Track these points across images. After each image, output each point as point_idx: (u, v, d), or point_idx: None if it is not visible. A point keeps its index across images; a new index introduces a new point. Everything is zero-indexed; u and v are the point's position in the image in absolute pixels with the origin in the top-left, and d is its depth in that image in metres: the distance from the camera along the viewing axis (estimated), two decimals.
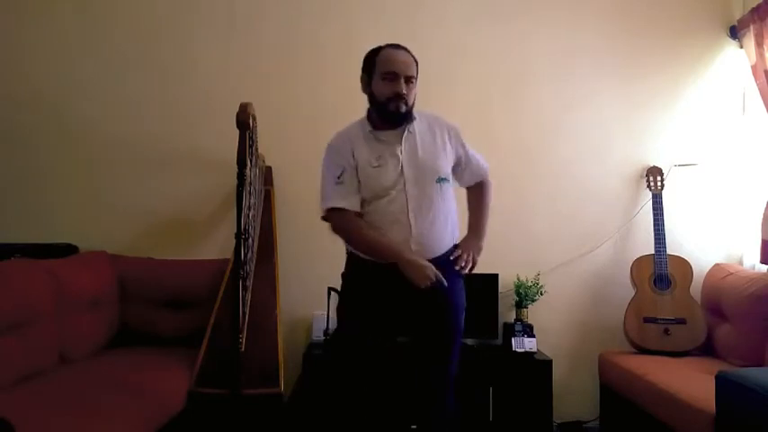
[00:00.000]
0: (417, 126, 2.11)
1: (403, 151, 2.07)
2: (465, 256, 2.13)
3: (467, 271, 2.14)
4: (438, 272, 1.97)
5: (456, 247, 2.16)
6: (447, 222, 2.11)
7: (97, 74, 3.44)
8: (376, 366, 2.14)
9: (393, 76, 2.03)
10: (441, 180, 2.09)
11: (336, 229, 2.11)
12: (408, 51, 2.10)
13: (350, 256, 2.16)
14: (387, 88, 2.04)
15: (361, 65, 2.14)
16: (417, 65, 2.10)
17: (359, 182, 2.07)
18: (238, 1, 3.47)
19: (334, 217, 2.08)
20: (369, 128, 2.10)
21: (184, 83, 3.44)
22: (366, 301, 2.10)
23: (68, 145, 3.43)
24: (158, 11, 3.46)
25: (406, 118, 2.08)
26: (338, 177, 2.06)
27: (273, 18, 3.46)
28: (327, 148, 2.14)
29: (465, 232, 2.26)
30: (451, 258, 2.11)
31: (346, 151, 2.09)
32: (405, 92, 2.03)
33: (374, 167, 2.06)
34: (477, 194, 2.32)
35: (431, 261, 2.02)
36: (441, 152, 2.12)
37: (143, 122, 3.43)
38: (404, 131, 2.09)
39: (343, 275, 2.19)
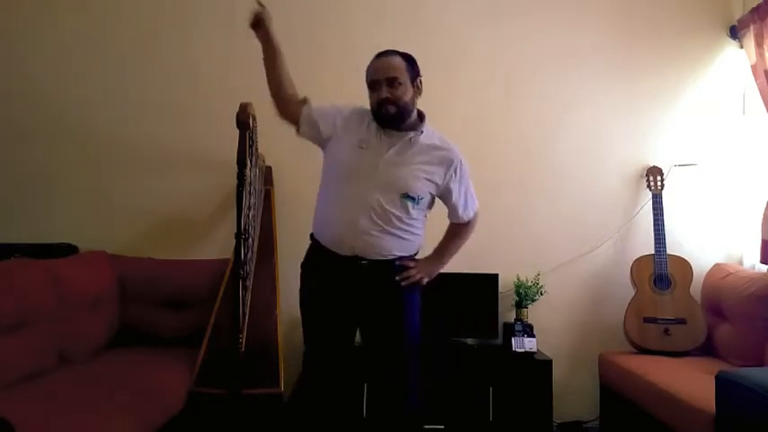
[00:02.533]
0: (421, 141, 2.10)
1: (389, 153, 2.06)
2: (411, 272, 2.13)
3: (403, 284, 2.12)
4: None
5: (413, 259, 2.17)
6: (399, 238, 2.08)
7: (97, 74, 3.44)
8: (338, 369, 2.17)
9: (375, 84, 2.06)
10: (407, 197, 2.06)
11: None
12: (395, 53, 2.10)
13: (311, 245, 2.19)
14: (372, 97, 2.08)
15: (360, 65, 2.16)
16: (412, 64, 2.10)
17: (325, 131, 2.14)
18: (239, 1, 3.46)
19: None
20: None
21: (184, 83, 3.43)
22: (320, 290, 2.14)
23: (68, 145, 3.43)
24: (159, 11, 3.46)
25: (399, 120, 2.07)
26: (323, 106, 2.18)
27: (273, 18, 3.45)
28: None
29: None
30: (397, 264, 2.11)
31: (346, 113, 2.16)
32: (387, 95, 2.03)
33: (354, 146, 2.08)
34: (454, 230, 2.29)
35: (371, 262, 2.06)
36: (422, 176, 2.08)
37: (143, 122, 3.43)
38: (404, 137, 2.08)
39: (302, 265, 2.22)
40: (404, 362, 2.13)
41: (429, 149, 2.11)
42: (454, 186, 2.16)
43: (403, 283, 2.12)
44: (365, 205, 2.03)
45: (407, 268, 2.13)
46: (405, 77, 2.06)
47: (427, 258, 2.24)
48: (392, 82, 2.04)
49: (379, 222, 2.04)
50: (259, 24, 2.11)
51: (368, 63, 2.13)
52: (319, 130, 2.14)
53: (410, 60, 2.11)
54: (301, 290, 2.22)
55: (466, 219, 2.25)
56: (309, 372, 2.21)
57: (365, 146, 2.08)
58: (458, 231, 2.29)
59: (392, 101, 2.03)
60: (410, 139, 2.09)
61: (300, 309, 2.22)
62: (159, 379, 2.53)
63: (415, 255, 2.20)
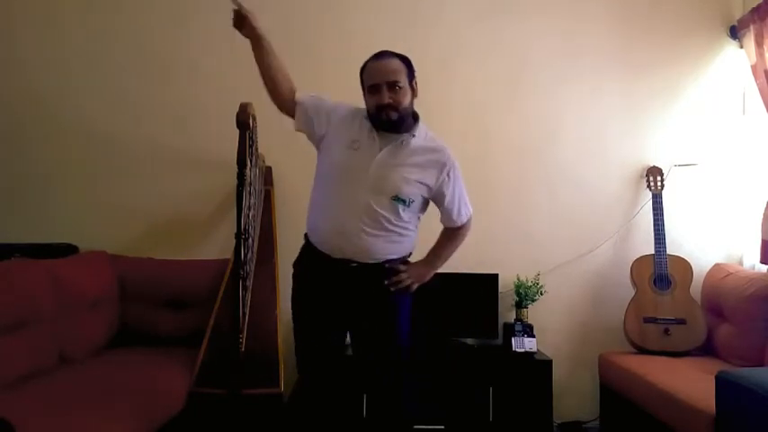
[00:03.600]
0: (414, 143, 2.06)
1: (381, 154, 2.03)
2: (402, 277, 2.10)
3: (392, 289, 2.10)
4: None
5: (406, 262, 2.16)
6: (389, 240, 2.06)
7: (97, 74, 3.44)
8: (329, 370, 2.18)
9: (375, 88, 2.02)
10: (397, 200, 2.03)
11: None
12: (393, 55, 2.06)
13: (305, 245, 2.19)
14: (371, 101, 2.04)
15: (358, 63, 2.14)
16: (409, 66, 2.06)
17: (317, 127, 2.11)
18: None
19: None
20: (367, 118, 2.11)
21: (184, 83, 3.44)
22: (312, 289, 2.15)
23: (68, 145, 3.43)
24: (158, 11, 3.46)
25: (400, 125, 2.03)
26: (321, 99, 2.16)
27: (273, 17, 3.43)
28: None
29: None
30: (387, 267, 2.09)
31: (342, 112, 2.13)
32: (388, 100, 1.99)
33: (346, 147, 2.05)
34: (447, 234, 2.26)
35: (360, 264, 2.04)
36: (413, 178, 2.05)
37: (143, 122, 3.43)
38: (397, 139, 2.05)
39: (294, 264, 2.22)
40: (393, 366, 2.13)
41: (422, 151, 2.08)
42: (447, 190, 2.12)
43: (392, 288, 2.09)
44: (355, 207, 2.01)
45: (397, 272, 2.10)
46: (404, 81, 2.03)
47: (419, 263, 2.21)
48: (393, 86, 2.00)
49: (369, 224, 2.01)
50: (242, 22, 2.06)
51: (363, 61, 2.11)
52: (313, 128, 2.13)
53: (407, 62, 2.07)
54: (293, 289, 2.22)
55: (459, 223, 2.22)
56: (303, 374, 2.21)
57: (357, 147, 2.05)
58: (450, 236, 2.25)
59: (394, 107, 2.00)
60: (402, 141, 2.05)
61: (292, 308, 2.22)
62: (159, 379, 2.53)
63: (408, 257, 2.17)
